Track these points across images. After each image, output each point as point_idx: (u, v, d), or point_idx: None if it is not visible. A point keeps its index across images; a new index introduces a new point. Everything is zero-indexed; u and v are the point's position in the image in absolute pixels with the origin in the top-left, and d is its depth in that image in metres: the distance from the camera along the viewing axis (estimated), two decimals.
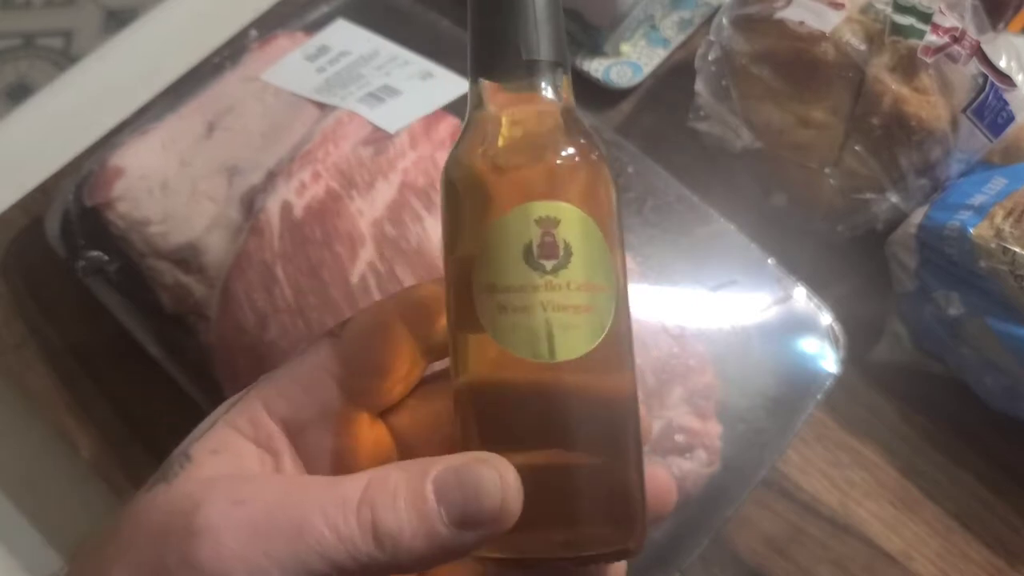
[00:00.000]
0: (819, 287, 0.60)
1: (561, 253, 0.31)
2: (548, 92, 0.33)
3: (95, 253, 0.60)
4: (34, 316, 0.64)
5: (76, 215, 0.60)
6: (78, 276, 0.59)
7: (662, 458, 0.53)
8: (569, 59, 0.34)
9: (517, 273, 0.31)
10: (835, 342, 0.57)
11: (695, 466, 0.53)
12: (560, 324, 0.30)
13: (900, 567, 0.57)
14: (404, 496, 0.29)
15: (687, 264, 0.60)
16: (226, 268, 0.55)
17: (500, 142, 0.33)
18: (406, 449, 0.35)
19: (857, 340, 0.60)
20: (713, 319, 0.58)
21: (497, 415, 0.32)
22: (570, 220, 0.31)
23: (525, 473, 0.30)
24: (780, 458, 0.56)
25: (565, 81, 0.34)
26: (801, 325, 0.58)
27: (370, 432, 0.35)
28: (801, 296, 0.59)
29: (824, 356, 0.57)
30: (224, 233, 0.56)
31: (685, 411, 0.54)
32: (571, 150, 0.33)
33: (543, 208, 0.31)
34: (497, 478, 0.29)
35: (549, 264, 0.31)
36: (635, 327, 0.54)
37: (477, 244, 0.31)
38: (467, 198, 0.33)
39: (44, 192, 0.68)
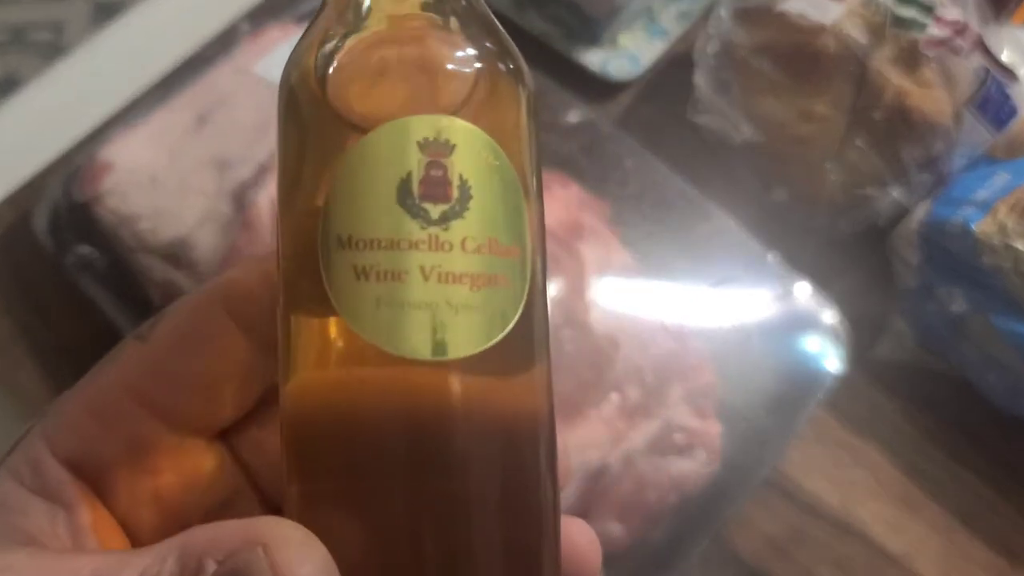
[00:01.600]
0: (820, 283, 0.59)
1: (455, 195, 0.21)
2: None
3: (84, 248, 0.59)
4: (23, 312, 0.63)
5: (65, 210, 0.60)
6: (67, 272, 0.59)
7: (662, 458, 0.52)
8: None
9: (387, 221, 0.20)
10: (837, 339, 0.57)
11: (695, 465, 0.53)
12: (448, 303, 0.20)
13: (902, 567, 0.56)
14: None
15: (687, 260, 0.60)
16: (217, 263, 0.55)
17: (364, 27, 0.23)
18: (257, 477, 0.27)
19: (859, 337, 0.60)
20: (713, 316, 0.58)
21: (333, 444, 0.21)
22: (471, 146, 0.21)
23: (373, 535, 0.21)
24: (781, 458, 0.56)
25: None
26: (802, 322, 0.58)
27: (202, 462, 0.26)
28: (802, 292, 0.59)
29: (825, 354, 0.57)
30: (215, 228, 0.56)
31: (685, 410, 0.54)
32: (471, 48, 0.23)
33: (430, 125, 0.21)
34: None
35: (436, 210, 0.21)
36: (635, 324, 0.54)
37: (327, 180, 0.21)
38: (312, 111, 0.23)
39: (32, 187, 0.67)
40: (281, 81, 0.24)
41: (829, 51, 0.59)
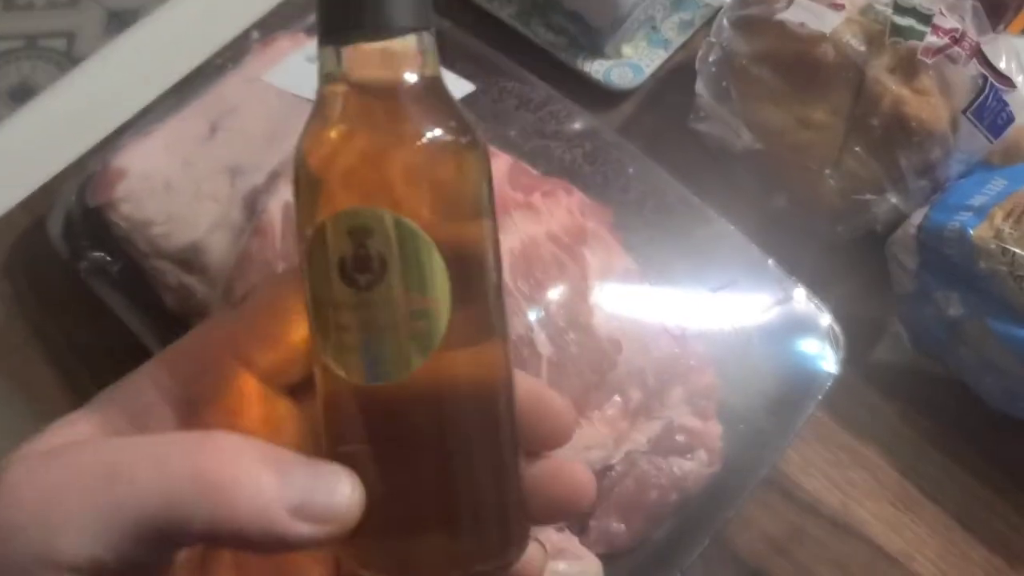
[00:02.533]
0: (819, 288, 0.60)
1: (375, 267, 0.27)
2: (395, 67, 0.29)
3: (98, 254, 0.60)
4: (37, 316, 0.64)
5: (79, 216, 0.61)
6: (81, 277, 0.60)
7: (663, 458, 0.53)
8: (432, 26, 0.30)
9: (334, 289, 0.28)
10: (835, 343, 0.57)
11: (696, 466, 0.53)
12: (377, 344, 0.28)
13: (900, 567, 0.57)
14: (245, 455, 0.26)
15: (688, 265, 0.60)
16: (228, 268, 0.55)
17: (322, 131, 0.29)
18: (314, 434, 0.32)
19: (857, 341, 0.60)
20: (714, 320, 0.58)
21: (339, 427, 0.30)
22: (384, 229, 0.27)
23: (382, 480, 0.28)
24: (780, 458, 0.57)
25: (418, 50, 0.29)
26: (801, 326, 0.58)
27: (267, 407, 0.31)
28: (801, 297, 0.59)
29: (824, 357, 0.57)
30: (226, 234, 0.56)
31: (686, 411, 0.54)
32: (404, 139, 0.28)
33: (354, 216, 0.27)
34: (347, 482, 0.27)
35: (363, 279, 0.27)
36: (637, 327, 0.55)
37: (303, 251, 0.29)
38: (296, 191, 0.29)
39: (47, 193, 0.68)
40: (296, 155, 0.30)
41: (828, 59, 0.60)
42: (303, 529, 0.26)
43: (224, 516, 0.25)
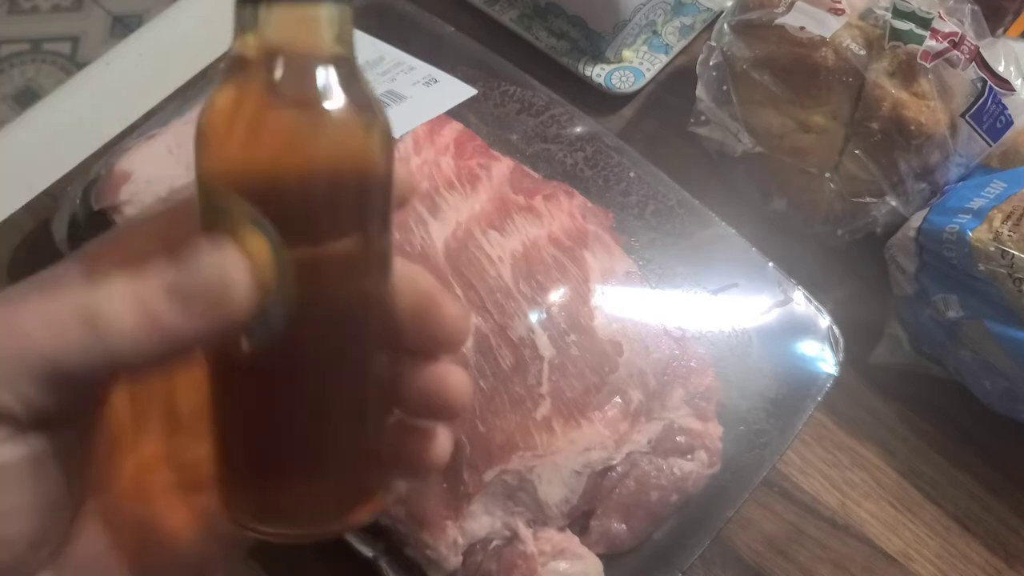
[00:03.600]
0: (819, 290, 0.60)
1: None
2: (310, 36, 0.29)
3: None
4: None
5: (83, 219, 0.61)
6: None
7: (664, 459, 0.53)
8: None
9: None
10: (834, 345, 0.58)
11: (696, 467, 0.54)
12: None
13: (899, 567, 0.57)
14: (121, 282, 0.27)
15: (688, 267, 0.60)
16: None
17: (222, 99, 0.29)
18: None
19: (857, 343, 0.61)
20: (714, 322, 0.59)
21: (211, 373, 0.30)
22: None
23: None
24: (780, 459, 0.57)
25: (332, 21, 0.29)
26: (801, 328, 0.59)
27: None
28: (801, 299, 0.59)
29: (823, 358, 0.58)
30: None
31: (686, 412, 0.55)
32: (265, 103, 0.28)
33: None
34: (220, 256, 0.27)
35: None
36: (638, 329, 0.55)
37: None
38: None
39: (51, 196, 0.68)
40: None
41: (828, 64, 0.60)
42: (179, 313, 0.26)
43: (113, 343, 0.26)
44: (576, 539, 0.52)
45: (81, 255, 0.30)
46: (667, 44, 0.74)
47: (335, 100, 0.28)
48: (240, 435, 0.30)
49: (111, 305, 0.26)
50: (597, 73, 0.72)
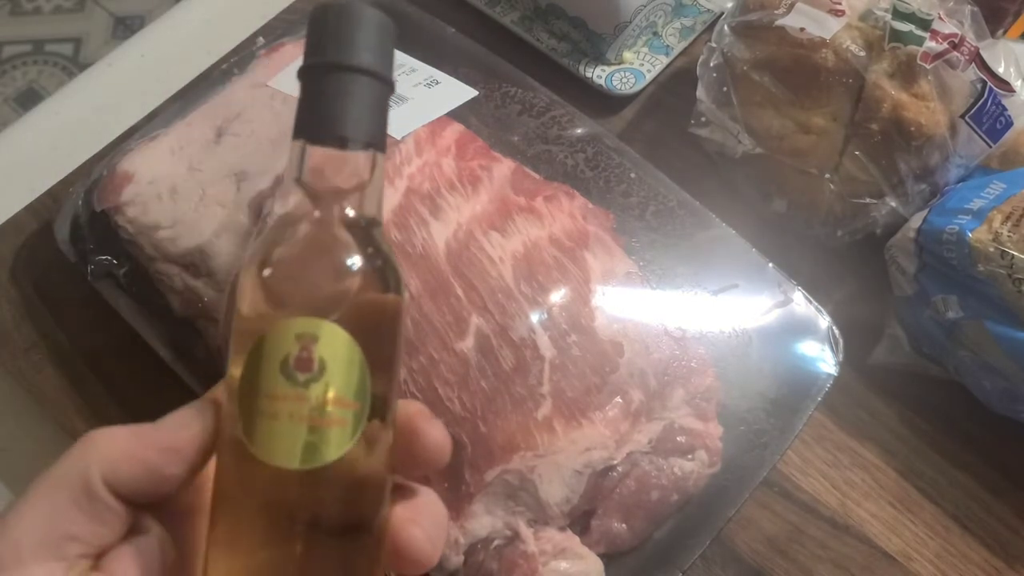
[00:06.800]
0: (819, 291, 0.60)
1: (315, 368, 0.31)
2: (349, 203, 0.34)
3: (104, 257, 0.61)
4: (44, 319, 0.65)
5: (86, 220, 0.61)
6: (88, 280, 0.60)
7: (664, 459, 0.53)
8: (382, 162, 0.35)
9: (272, 381, 0.31)
10: (834, 345, 0.58)
11: (696, 467, 0.54)
12: (306, 434, 0.31)
13: (899, 567, 0.57)
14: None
15: (688, 268, 0.60)
16: (234, 272, 0.55)
17: (281, 252, 0.33)
18: None
19: (857, 343, 0.61)
20: (714, 322, 0.59)
21: (232, 499, 0.32)
22: (330, 339, 0.32)
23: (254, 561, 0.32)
24: (780, 459, 0.57)
25: (373, 189, 0.35)
26: (801, 328, 0.59)
27: None
28: (801, 300, 0.59)
29: (823, 359, 0.58)
30: (232, 237, 0.57)
31: (687, 413, 0.55)
32: (350, 272, 0.33)
33: (305, 324, 0.32)
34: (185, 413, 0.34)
35: (302, 377, 0.31)
36: (638, 329, 0.55)
37: (250, 345, 0.32)
38: (243, 292, 0.33)
39: (54, 197, 0.68)
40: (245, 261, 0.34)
41: (828, 65, 0.61)
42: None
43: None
44: (577, 539, 0.52)
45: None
46: (668, 45, 0.75)
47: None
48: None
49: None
50: (598, 75, 0.72)
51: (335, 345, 0.32)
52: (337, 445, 0.31)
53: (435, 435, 0.35)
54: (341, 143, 0.34)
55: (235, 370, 0.33)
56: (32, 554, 0.30)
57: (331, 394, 0.31)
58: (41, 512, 0.31)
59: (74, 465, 0.32)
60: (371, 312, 0.33)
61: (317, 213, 0.34)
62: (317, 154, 0.34)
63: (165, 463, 0.32)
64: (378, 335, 0.33)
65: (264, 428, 0.31)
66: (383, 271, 0.34)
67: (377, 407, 0.33)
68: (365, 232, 0.34)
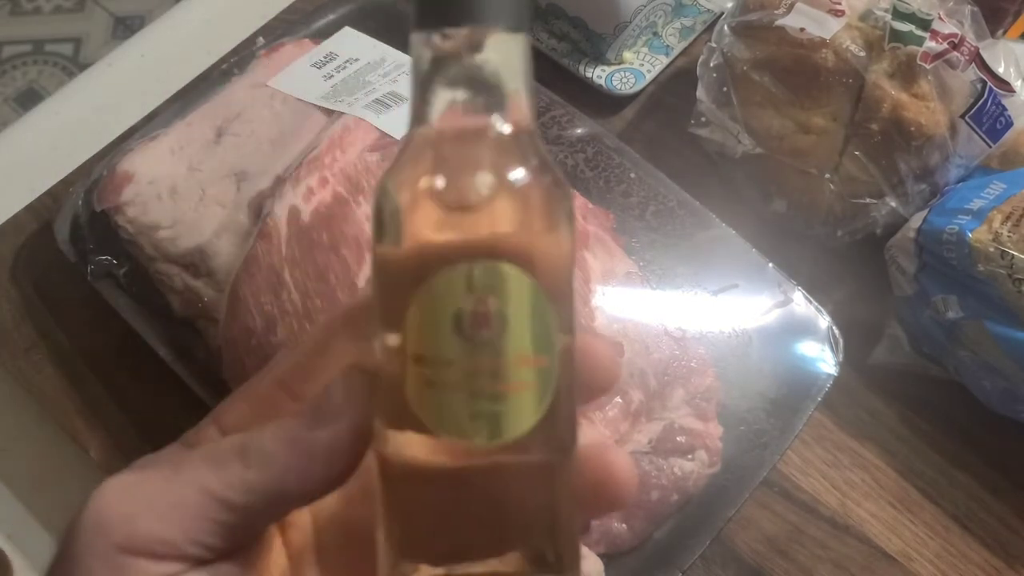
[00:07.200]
0: (819, 291, 0.60)
1: (494, 325, 0.26)
2: (499, 111, 0.28)
3: (104, 257, 0.60)
4: (44, 319, 0.64)
5: (85, 220, 0.61)
6: (87, 280, 0.60)
7: (664, 459, 0.53)
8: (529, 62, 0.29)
9: (446, 345, 0.26)
10: (834, 345, 0.58)
11: (696, 467, 0.54)
12: (491, 402, 0.26)
13: (899, 567, 0.57)
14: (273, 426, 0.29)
15: (688, 268, 0.60)
16: (234, 272, 0.55)
17: (433, 177, 0.27)
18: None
19: (857, 343, 0.61)
20: (714, 322, 0.59)
21: (414, 507, 0.28)
22: (509, 287, 0.26)
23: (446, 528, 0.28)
24: (780, 459, 0.57)
25: (522, 95, 0.29)
26: (801, 328, 0.59)
27: None
28: (801, 300, 0.59)
29: (823, 359, 0.58)
30: (232, 238, 0.57)
31: (686, 412, 0.55)
32: (521, 191, 0.28)
33: (478, 271, 0.26)
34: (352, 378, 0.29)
35: (480, 337, 0.26)
36: (638, 329, 0.55)
37: (407, 304, 0.27)
38: (383, 235, 0.28)
39: (53, 197, 0.68)
40: (375, 195, 0.28)
41: (828, 65, 0.60)
42: (324, 435, 0.29)
43: (257, 456, 0.29)
44: None
45: (210, 417, 0.32)
46: (667, 45, 0.74)
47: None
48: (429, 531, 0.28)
49: (260, 440, 0.29)
50: (598, 75, 0.72)
51: (516, 294, 0.26)
52: (528, 412, 0.27)
53: (602, 347, 0.30)
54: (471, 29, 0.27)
55: (389, 338, 0.27)
56: None
57: (518, 353, 0.26)
58: None
59: None
60: (548, 243, 0.28)
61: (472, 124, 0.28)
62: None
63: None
64: (559, 268, 0.28)
65: (441, 401, 0.26)
66: (557, 187, 0.29)
67: (564, 357, 0.28)
68: (531, 142, 0.29)
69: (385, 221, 0.28)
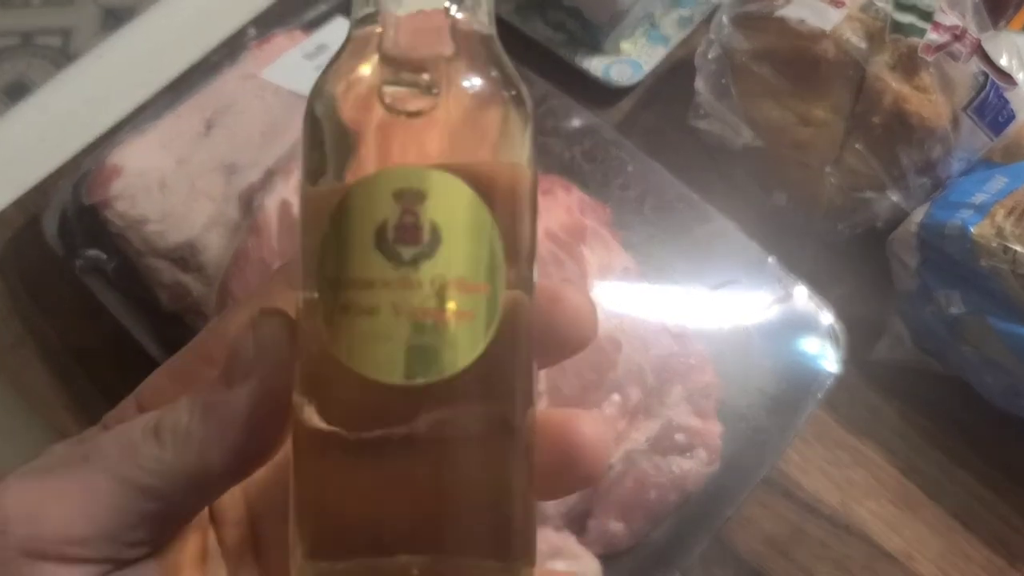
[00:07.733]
0: (819, 286, 0.60)
1: (425, 239, 0.23)
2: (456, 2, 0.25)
3: (93, 251, 0.60)
4: (32, 315, 0.64)
5: (74, 213, 0.61)
6: (76, 275, 0.60)
7: (663, 457, 0.53)
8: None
9: (365, 262, 0.23)
10: (835, 341, 0.57)
11: (696, 465, 0.53)
12: (416, 334, 0.23)
13: (900, 566, 0.57)
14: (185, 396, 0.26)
15: (687, 263, 0.60)
16: (224, 266, 0.55)
17: (368, 70, 0.24)
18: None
19: (858, 339, 0.60)
20: (713, 318, 0.58)
21: (326, 484, 0.24)
22: (443, 195, 0.23)
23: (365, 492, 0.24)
24: (780, 457, 0.56)
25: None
26: (801, 324, 0.58)
27: None
28: (801, 295, 0.59)
29: (824, 355, 0.57)
30: (222, 231, 0.57)
31: (686, 410, 0.54)
32: (464, 91, 0.24)
33: (406, 176, 0.23)
34: (272, 322, 0.25)
35: (408, 252, 0.23)
36: (636, 326, 0.54)
37: (327, 215, 0.24)
38: (312, 140, 0.25)
39: (42, 191, 0.68)
40: (309, 96, 0.25)
41: (828, 56, 0.60)
42: (242, 396, 0.25)
43: (170, 433, 0.26)
44: (573, 539, 0.51)
45: (132, 395, 0.30)
46: (665, 36, 0.74)
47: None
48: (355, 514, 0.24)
49: (175, 414, 0.25)
50: (595, 66, 0.72)
51: (452, 204, 0.23)
52: (462, 349, 0.23)
53: (577, 297, 0.27)
54: None
55: (307, 282, 0.24)
56: None
57: (451, 275, 0.23)
58: None
59: None
60: (493, 151, 0.25)
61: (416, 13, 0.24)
62: None
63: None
64: (509, 183, 0.25)
65: (357, 331, 0.23)
66: (507, 89, 0.25)
67: (512, 293, 0.24)
68: (485, 44, 0.25)
69: (313, 128, 0.25)
